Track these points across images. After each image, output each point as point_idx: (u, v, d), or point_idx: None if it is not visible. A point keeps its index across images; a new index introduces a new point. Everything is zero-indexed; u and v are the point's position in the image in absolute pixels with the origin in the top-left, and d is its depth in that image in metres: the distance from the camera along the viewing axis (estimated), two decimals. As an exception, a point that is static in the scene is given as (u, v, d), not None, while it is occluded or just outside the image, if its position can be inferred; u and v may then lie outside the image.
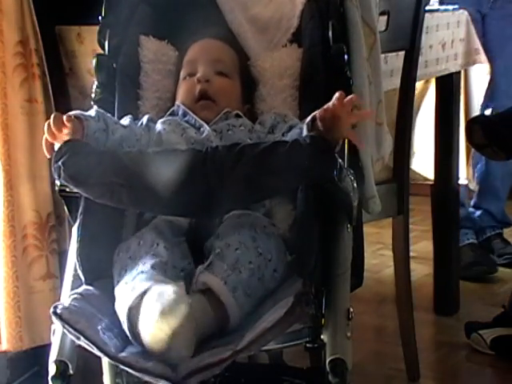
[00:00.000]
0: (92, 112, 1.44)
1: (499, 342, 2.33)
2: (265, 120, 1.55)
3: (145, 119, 1.53)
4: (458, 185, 2.68)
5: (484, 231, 3.07)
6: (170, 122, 1.52)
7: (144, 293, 1.18)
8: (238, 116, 1.55)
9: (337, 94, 1.31)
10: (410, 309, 2.22)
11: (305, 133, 1.33)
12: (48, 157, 1.37)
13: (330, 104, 1.31)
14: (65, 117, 1.35)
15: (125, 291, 1.23)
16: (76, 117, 1.38)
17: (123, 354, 1.18)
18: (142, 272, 1.24)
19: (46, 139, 1.37)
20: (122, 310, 1.21)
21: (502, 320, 2.37)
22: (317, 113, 1.33)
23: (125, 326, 1.20)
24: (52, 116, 1.36)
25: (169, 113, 1.58)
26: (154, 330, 1.14)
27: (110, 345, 1.18)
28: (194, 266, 1.31)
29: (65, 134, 1.34)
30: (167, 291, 1.15)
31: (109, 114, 1.49)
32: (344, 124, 1.30)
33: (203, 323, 1.19)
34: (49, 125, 1.35)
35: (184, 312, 1.14)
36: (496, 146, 2.26)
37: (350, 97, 1.31)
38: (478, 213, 3.06)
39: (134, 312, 1.18)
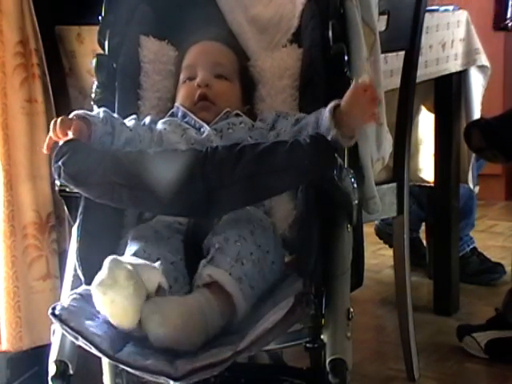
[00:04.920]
0: (100, 113, 1.43)
1: (493, 344, 2.32)
2: (266, 117, 1.55)
3: (147, 120, 1.54)
4: (458, 186, 2.68)
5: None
6: (170, 123, 1.52)
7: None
8: (238, 115, 1.55)
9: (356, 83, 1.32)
10: (410, 309, 2.22)
11: (326, 119, 1.33)
12: (47, 154, 1.37)
13: (350, 91, 1.31)
14: (73, 122, 1.35)
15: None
16: (83, 118, 1.38)
17: (121, 354, 1.18)
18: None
19: (50, 137, 1.36)
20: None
21: (495, 323, 2.36)
22: (337, 101, 1.33)
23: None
24: (59, 119, 1.35)
25: (168, 114, 1.58)
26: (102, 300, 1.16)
27: (108, 345, 1.18)
28: (185, 262, 1.31)
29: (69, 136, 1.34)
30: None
31: (115, 115, 1.49)
32: (366, 110, 1.31)
33: (212, 318, 1.19)
34: (55, 124, 1.35)
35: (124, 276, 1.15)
36: (496, 149, 2.26)
37: (368, 83, 1.31)
38: None
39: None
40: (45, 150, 1.37)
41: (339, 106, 1.33)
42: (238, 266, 1.24)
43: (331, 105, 1.34)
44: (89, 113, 1.41)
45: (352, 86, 1.32)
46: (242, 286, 1.23)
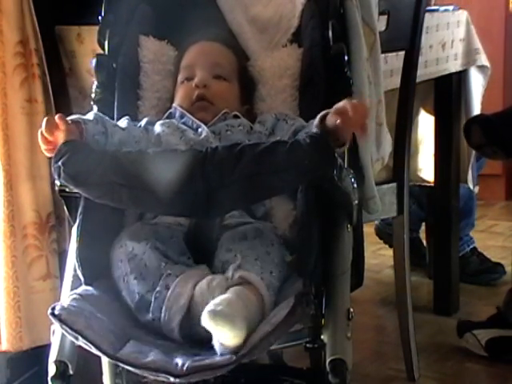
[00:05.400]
0: (90, 115, 1.43)
1: (494, 343, 2.32)
2: (265, 120, 1.55)
3: (143, 122, 1.53)
4: (458, 186, 2.68)
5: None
6: (168, 125, 1.52)
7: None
8: (236, 117, 1.55)
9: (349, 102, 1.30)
10: (410, 309, 2.22)
11: (315, 126, 1.32)
12: (50, 156, 1.37)
13: (341, 105, 1.29)
14: (56, 117, 1.34)
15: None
16: (74, 121, 1.37)
17: (122, 353, 1.18)
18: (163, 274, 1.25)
19: (47, 142, 1.35)
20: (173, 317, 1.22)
21: (496, 321, 2.36)
22: (326, 112, 1.32)
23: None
24: (44, 120, 1.35)
25: (166, 115, 1.58)
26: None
27: (109, 344, 1.18)
28: (193, 261, 1.31)
29: (60, 138, 1.33)
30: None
31: (107, 117, 1.48)
32: (354, 124, 1.29)
33: (251, 311, 1.18)
34: (41, 132, 1.34)
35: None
36: (495, 145, 2.26)
37: (360, 103, 1.30)
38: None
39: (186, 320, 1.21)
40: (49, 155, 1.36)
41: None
42: (266, 275, 1.24)
43: (321, 113, 1.32)
44: (78, 116, 1.41)
45: (338, 104, 1.30)
46: (270, 292, 1.23)
